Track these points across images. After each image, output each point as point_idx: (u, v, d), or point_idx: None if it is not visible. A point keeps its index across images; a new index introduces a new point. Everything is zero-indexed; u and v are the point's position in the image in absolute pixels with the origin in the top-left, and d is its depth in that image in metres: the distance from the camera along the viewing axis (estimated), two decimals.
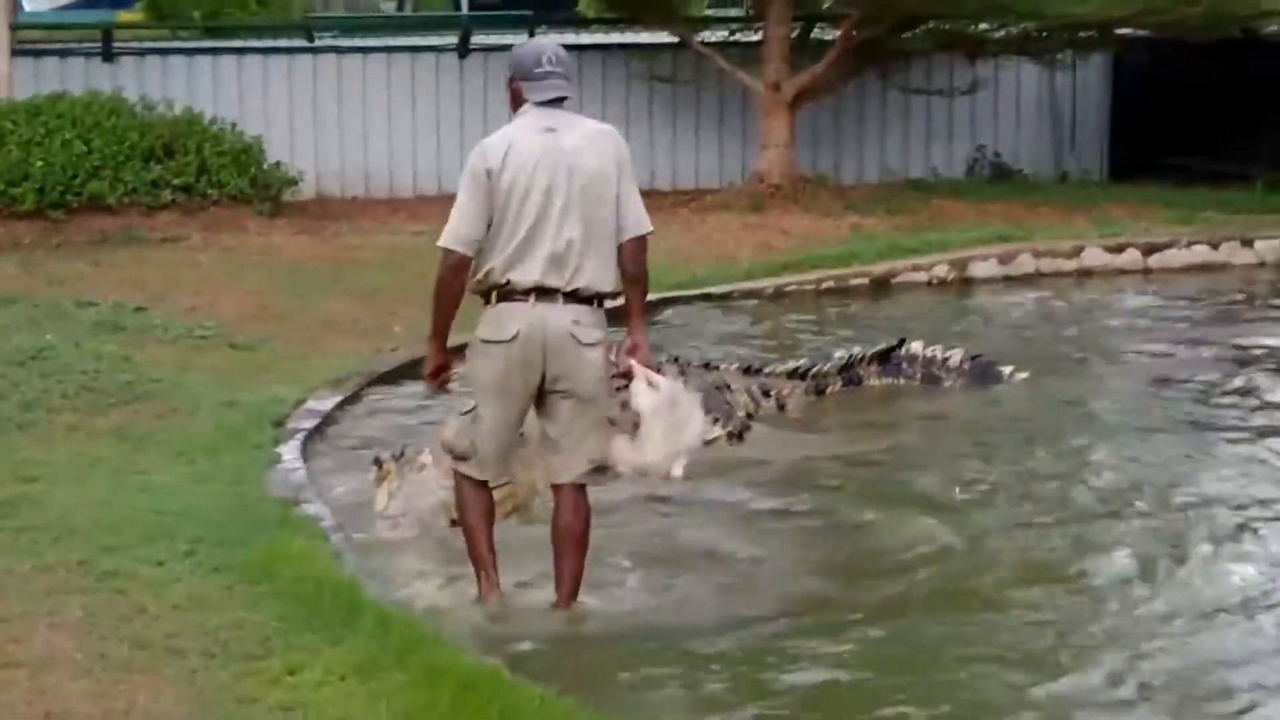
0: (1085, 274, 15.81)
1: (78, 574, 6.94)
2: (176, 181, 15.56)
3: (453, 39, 19.60)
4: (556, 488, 7.20)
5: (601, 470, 7.15)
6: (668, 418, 7.02)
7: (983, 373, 11.38)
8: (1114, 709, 6.32)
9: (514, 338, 6.91)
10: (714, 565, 7.89)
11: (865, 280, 15.14)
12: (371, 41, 19.73)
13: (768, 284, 14.76)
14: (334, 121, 18.59)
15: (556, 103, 7.04)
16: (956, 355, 11.43)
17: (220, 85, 18.10)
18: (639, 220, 7.05)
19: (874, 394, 11.20)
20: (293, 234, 15.66)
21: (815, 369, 11.08)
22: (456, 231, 6.97)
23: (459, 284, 7.03)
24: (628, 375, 7.08)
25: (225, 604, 6.68)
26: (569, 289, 6.91)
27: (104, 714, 5.50)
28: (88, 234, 14.83)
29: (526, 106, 7.04)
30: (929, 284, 15.31)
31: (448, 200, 17.99)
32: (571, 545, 7.12)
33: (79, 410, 9.67)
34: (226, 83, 18.18)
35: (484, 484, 7.21)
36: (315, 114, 18.53)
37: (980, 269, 15.57)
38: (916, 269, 15.39)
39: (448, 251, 7.00)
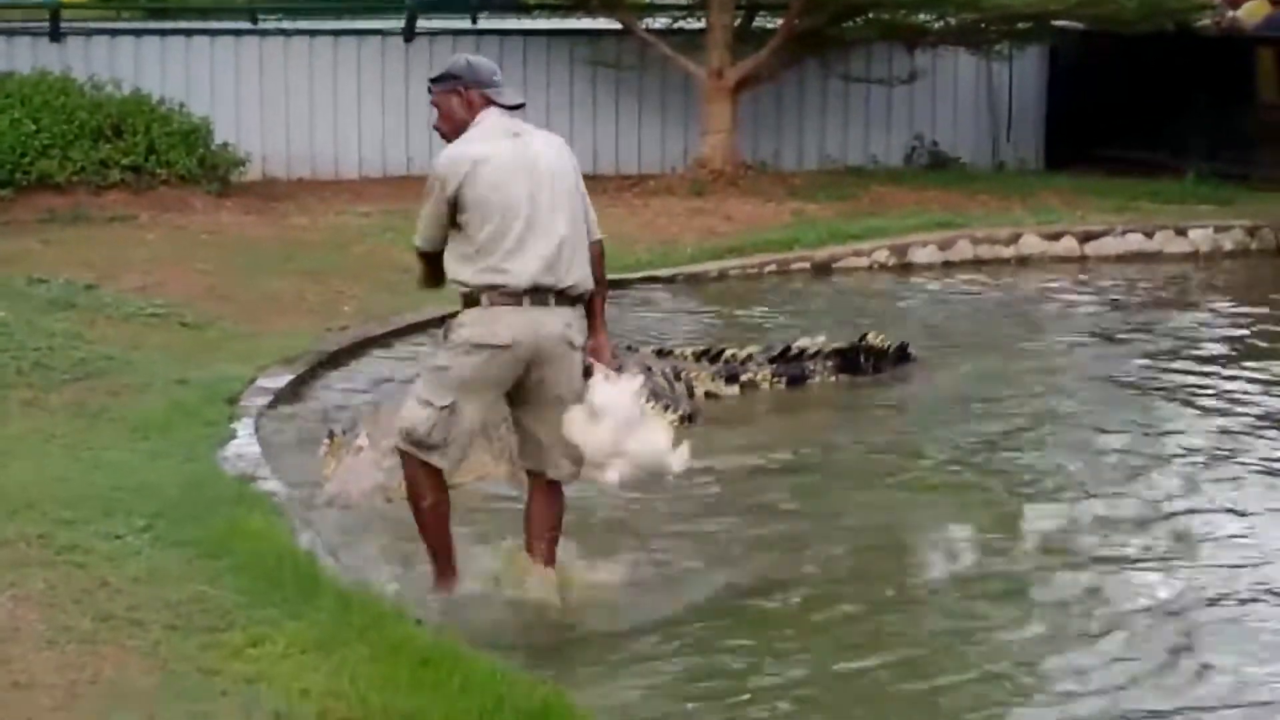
0: (1022, 261, 16.04)
1: (37, 547, 7.00)
2: (125, 161, 15.67)
3: (397, 23, 19.69)
4: (534, 476, 7.24)
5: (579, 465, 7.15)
6: (616, 420, 6.99)
7: (902, 358, 11.55)
8: None
9: (509, 344, 6.92)
10: (671, 547, 8.03)
11: (807, 265, 15.34)
12: (317, 25, 19.80)
13: (712, 267, 14.95)
14: (280, 103, 18.66)
15: (516, 109, 7.15)
16: (893, 345, 11.54)
17: (168, 66, 18.13)
18: (595, 225, 7.20)
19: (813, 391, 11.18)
20: (240, 214, 15.79)
21: (728, 354, 11.01)
22: (431, 238, 7.08)
23: (441, 273, 7.13)
24: (588, 373, 7.06)
25: (185, 578, 6.76)
26: (561, 287, 6.94)
27: (70, 684, 5.61)
28: (36, 212, 14.92)
29: (487, 113, 7.05)
30: (870, 268, 15.52)
31: (392, 183, 18.23)
32: (547, 534, 7.20)
33: (33, 386, 9.74)
34: (174, 64, 18.21)
35: (439, 474, 7.17)
36: (262, 96, 18.59)
37: (920, 255, 15.80)
38: (858, 254, 15.60)
39: (424, 252, 7.16)
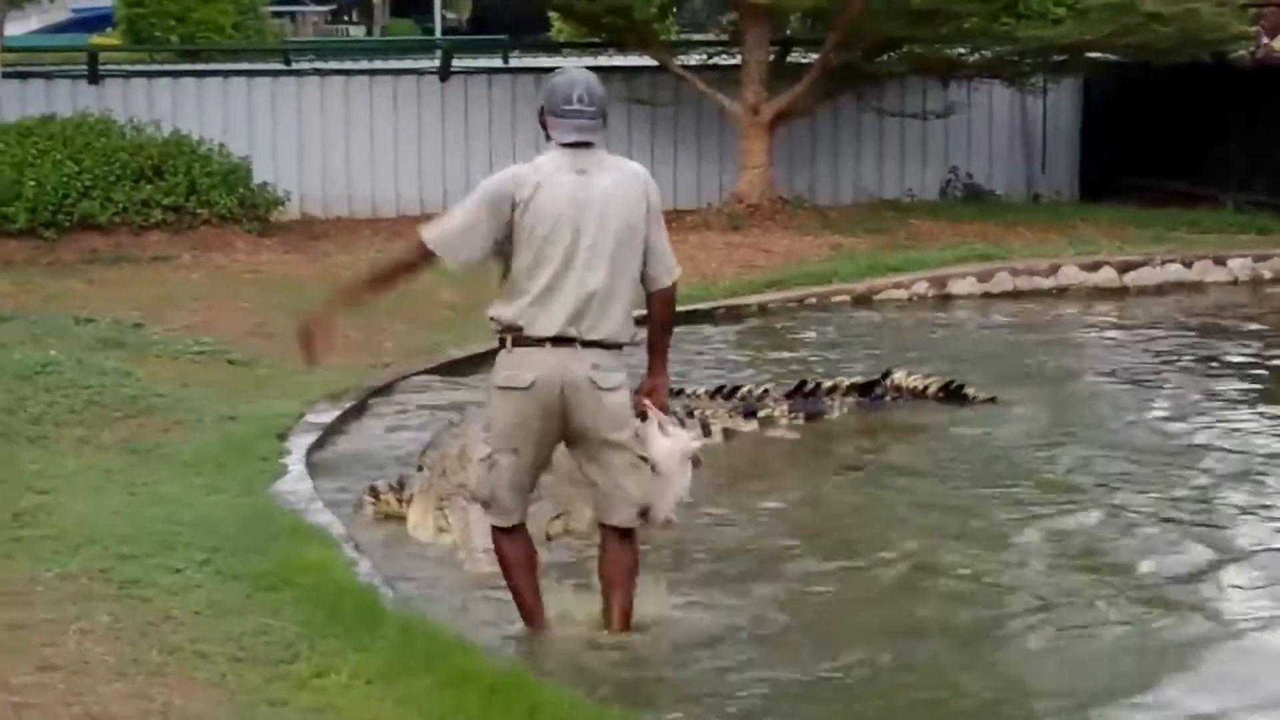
0: (1062, 291, 16.03)
1: (100, 581, 7.05)
2: (166, 201, 15.79)
3: (431, 62, 19.80)
4: (604, 527, 7.06)
5: (645, 513, 6.98)
6: (677, 466, 6.95)
7: (952, 397, 11.24)
8: None
9: (531, 385, 6.74)
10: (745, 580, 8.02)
11: (847, 297, 15.35)
12: (350, 65, 19.92)
13: (752, 300, 14.97)
14: (317, 143, 18.79)
15: (581, 146, 6.78)
16: (934, 384, 11.32)
17: (205, 107, 18.30)
18: (670, 266, 6.90)
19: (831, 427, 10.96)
20: (281, 253, 15.88)
21: (745, 391, 10.81)
22: (451, 244, 6.79)
23: (413, 277, 7.06)
24: (642, 416, 6.93)
25: (246, 610, 6.80)
26: (587, 339, 6.73)
27: (142, 714, 5.63)
28: (79, 253, 15.05)
29: (550, 144, 6.81)
30: (909, 300, 15.52)
31: (428, 220, 18.25)
32: (620, 583, 7.01)
33: (86, 424, 9.80)
34: (211, 105, 18.38)
35: (514, 530, 7.05)
36: (299, 135, 18.74)
37: (959, 286, 15.80)
38: (898, 286, 15.61)
39: (428, 251, 6.85)
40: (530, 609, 7.08)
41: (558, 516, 8.16)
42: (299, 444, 9.79)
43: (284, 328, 12.79)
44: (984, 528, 8.74)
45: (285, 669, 6.18)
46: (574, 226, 6.68)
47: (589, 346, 6.73)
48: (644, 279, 6.88)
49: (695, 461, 7.19)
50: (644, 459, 6.90)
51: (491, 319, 6.85)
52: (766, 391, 10.92)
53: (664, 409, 7.03)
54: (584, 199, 6.70)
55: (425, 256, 6.88)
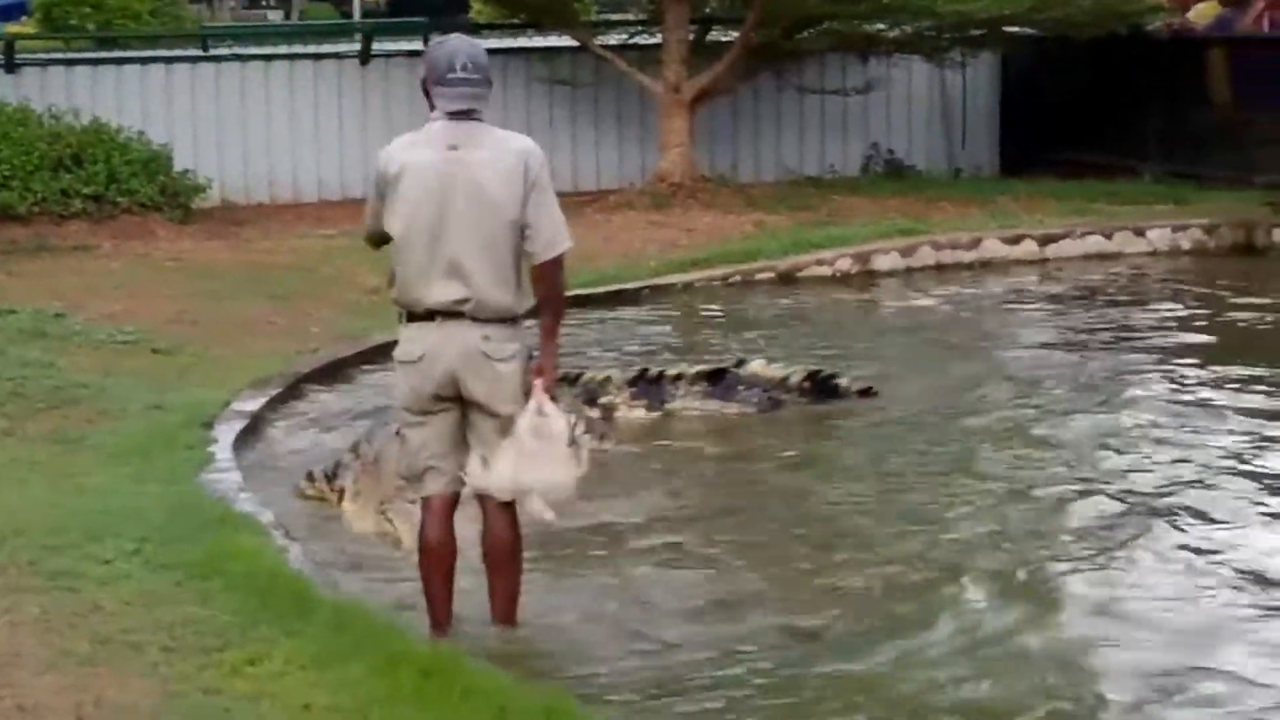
0: (984, 265, 16.14)
1: (29, 573, 7.03)
2: (86, 190, 15.69)
3: (350, 47, 19.73)
4: (482, 500, 6.92)
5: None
6: (530, 448, 6.74)
7: (822, 389, 10.80)
8: None
9: (420, 358, 6.74)
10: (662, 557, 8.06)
11: (771, 274, 15.39)
12: (269, 50, 19.81)
13: (676, 279, 14.99)
14: (238, 129, 18.67)
15: (466, 115, 6.73)
16: (797, 374, 10.82)
17: (123, 95, 18.14)
18: (551, 241, 6.74)
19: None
20: (203, 240, 15.82)
21: (587, 378, 10.51)
22: (369, 228, 6.97)
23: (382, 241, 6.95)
24: (527, 395, 6.79)
25: (177, 600, 6.78)
26: (474, 315, 6.69)
27: (76, 706, 5.62)
28: None
29: (436, 114, 6.77)
30: (833, 277, 15.58)
31: (352, 205, 18.25)
32: (502, 561, 6.92)
33: (10, 416, 9.74)
34: (130, 92, 18.22)
35: (438, 510, 6.92)
36: (219, 122, 18.61)
37: (882, 262, 15.87)
38: (820, 263, 15.66)
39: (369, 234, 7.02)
40: (435, 602, 6.94)
41: None
42: (225, 432, 9.74)
43: (207, 315, 12.83)
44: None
45: (218, 657, 6.18)
46: (441, 202, 6.63)
47: (478, 320, 6.70)
48: (527, 254, 6.78)
49: (581, 454, 6.95)
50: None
51: (390, 293, 6.92)
52: (609, 379, 10.62)
53: (550, 390, 6.83)
54: (450, 174, 6.64)
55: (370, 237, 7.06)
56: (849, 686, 6.49)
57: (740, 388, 10.76)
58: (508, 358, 6.76)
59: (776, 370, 10.86)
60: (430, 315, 6.73)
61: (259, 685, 5.92)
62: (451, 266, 6.66)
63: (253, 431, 10.06)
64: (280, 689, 5.88)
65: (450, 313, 6.70)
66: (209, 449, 9.31)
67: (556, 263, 6.79)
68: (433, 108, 6.79)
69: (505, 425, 6.77)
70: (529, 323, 6.89)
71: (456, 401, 6.83)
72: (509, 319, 6.77)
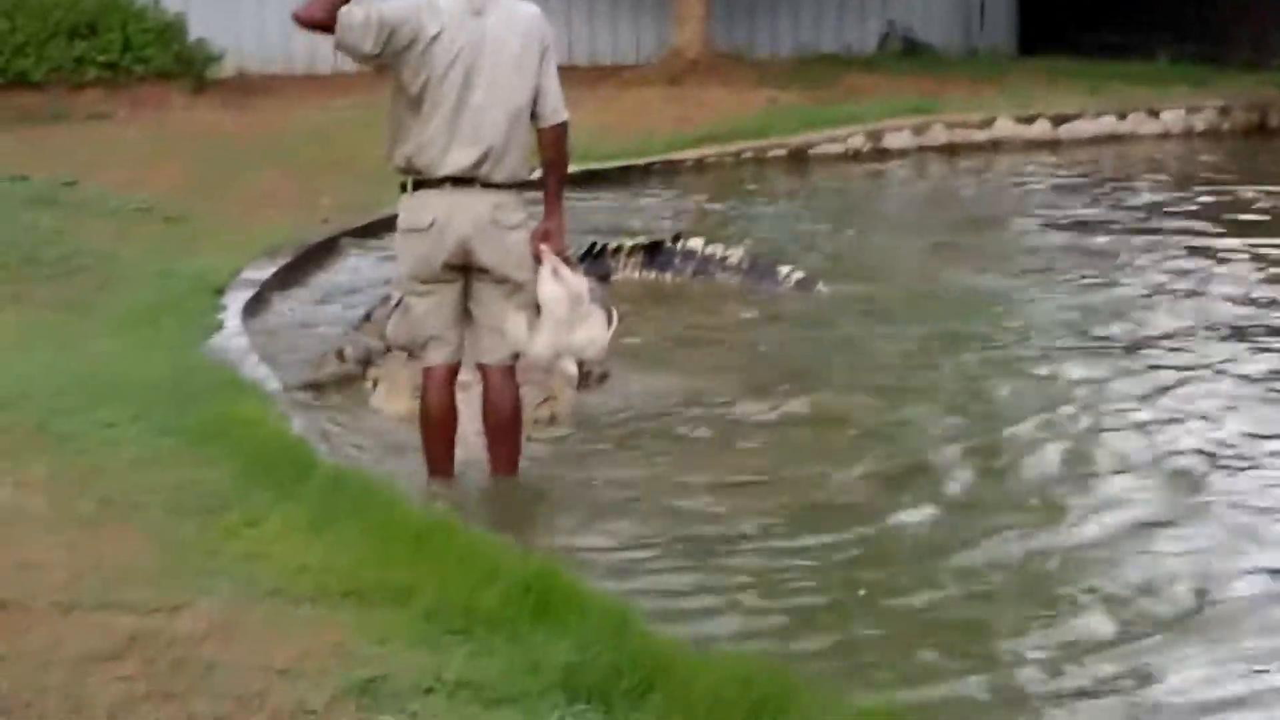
0: (996, 145, 16.14)
1: (36, 435, 7.09)
2: (101, 59, 15.73)
3: None
4: (482, 368, 7.05)
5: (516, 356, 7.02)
6: (564, 314, 6.89)
7: (761, 273, 11.05)
8: None
9: (430, 225, 6.77)
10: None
11: (783, 152, 15.42)
12: None
13: (689, 155, 15.02)
14: None
15: None
16: (736, 254, 11.16)
17: None
18: (557, 108, 6.84)
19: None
20: (218, 110, 15.87)
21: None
22: (355, 40, 6.74)
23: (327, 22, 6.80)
24: (538, 260, 6.89)
25: (179, 463, 6.84)
26: (487, 179, 6.75)
27: (75, 564, 5.71)
28: (13, 111, 14.99)
29: None
30: (845, 155, 15.60)
31: (367, 77, 18.16)
32: (503, 427, 7.04)
33: (19, 281, 9.83)
34: None
35: (439, 378, 7.05)
36: None
37: (894, 140, 15.90)
38: (833, 140, 15.72)
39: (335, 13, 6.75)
40: (435, 460, 7.11)
41: (544, 401, 8.01)
42: (235, 299, 9.84)
43: (220, 185, 12.89)
44: None
45: (216, 519, 6.24)
46: (466, 68, 6.69)
47: (489, 187, 6.77)
48: (534, 118, 6.85)
49: (609, 316, 7.09)
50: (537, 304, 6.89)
51: (394, 166, 6.91)
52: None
53: (561, 254, 6.96)
54: (477, 41, 6.70)
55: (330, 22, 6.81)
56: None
57: (676, 260, 11.14)
58: (516, 225, 6.84)
59: (715, 249, 11.24)
60: (441, 182, 6.77)
61: (256, 546, 6.00)
62: (474, 129, 6.70)
63: (261, 299, 10.15)
64: (276, 550, 5.96)
65: (462, 179, 6.74)
66: (218, 316, 9.41)
67: (563, 126, 6.89)
68: None
69: (513, 291, 6.87)
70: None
71: (461, 272, 6.90)
72: (516, 185, 6.85)
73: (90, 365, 8.25)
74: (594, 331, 7.00)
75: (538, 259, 6.89)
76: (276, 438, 7.14)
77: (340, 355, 8.87)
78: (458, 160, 6.73)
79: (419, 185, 6.83)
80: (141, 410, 7.49)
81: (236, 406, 7.49)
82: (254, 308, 9.90)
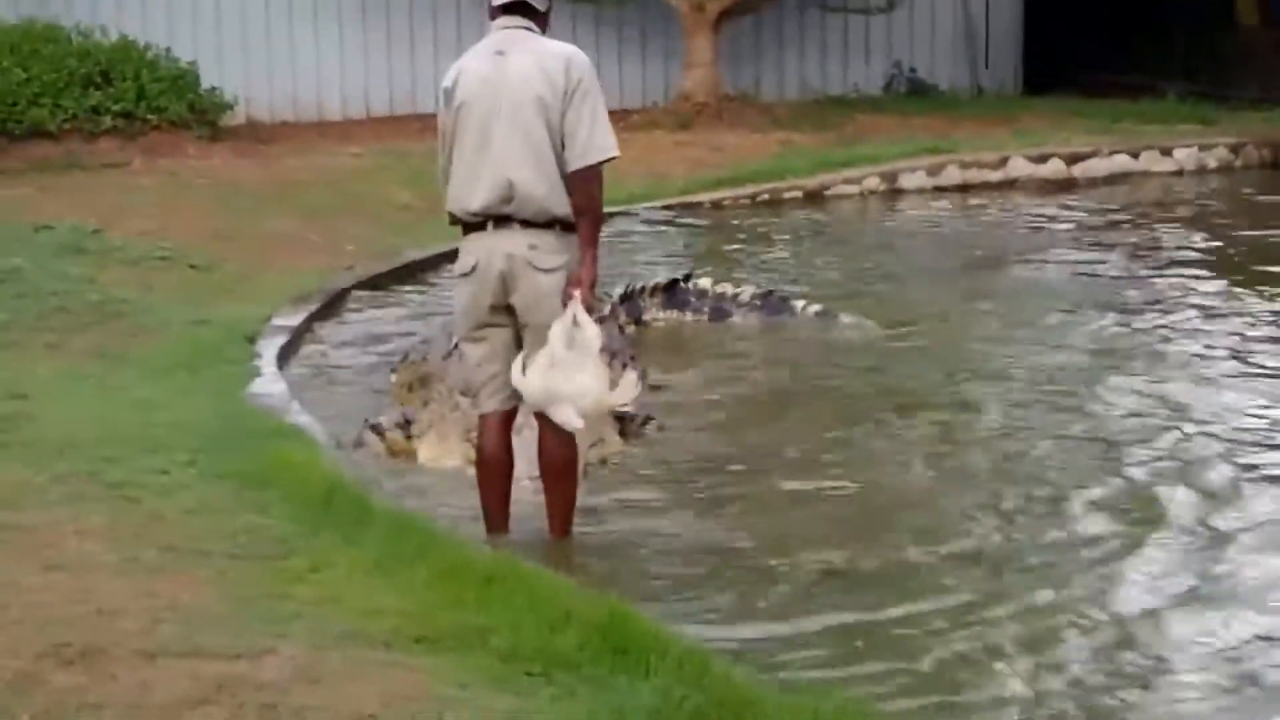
0: (1010, 184, 16.18)
1: (90, 484, 7.07)
2: (116, 107, 15.71)
3: None
4: (537, 415, 6.94)
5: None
6: (561, 357, 6.72)
7: (775, 308, 11.10)
8: None
9: (474, 269, 6.78)
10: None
11: (799, 193, 15.45)
12: None
13: (705, 198, 15.05)
14: (263, 47, 18.72)
15: (516, 9, 6.77)
16: (747, 291, 11.23)
17: (149, 13, 18.20)
18: (586, 150, 6.68)
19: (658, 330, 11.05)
20: (233, 157, 15.87)
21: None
22: (442, 165, 6.93)
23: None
24: (565, 305, 6.76)
25: (236, 509, 6.83)
26: (520, 217, 6.71)
27: (151, 610, 5.68)
28: (29, 160, 14.97)
29: (491, 26, 6.84)
30: (860, 195, 15.64)
31: (377, 122, 18.21)
32: (556, 475, 6.99)
33: (55, 330, 9.81)
34: (156, 10, 18.30)
35: (495, 424, 7.00)
36: (244, 40, 18.63)
37: (909, 180, 15.93)
38: (848, 181, 15.75)
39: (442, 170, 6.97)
40: (491, 511, 7.06)
41: (592, 445, 7.87)
42: (268, 346, 9.83)
43: (241, 232, 12.89)
44: None
45: (281, 564, 6.22)
46: (487, 107, 6.70)
47: (526, 226, 6.73)
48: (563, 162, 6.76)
49: (639, 374, 7.02)
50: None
51: (447, 215, 6.95)
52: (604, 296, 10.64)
53: (588, 302, 6.80)
54: (498, 80, 6.70)
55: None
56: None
57: (692, 299, 11.25)
58: (550, 269, 6.76)
59: (726, 287, 11.33)
60: (482, 223, 6.77)
61: (326, 590, 5.97)
62: (496, 165, 6.69)
63: (294, 346, 10.15)
64: (346, 593, 5.94)
65: (500, 217, 6.73)
66: (253, 363, 9.40)
67: (592, 171, 6.73)
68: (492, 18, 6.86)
69: (538, 334, 6.78)
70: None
71: (511, 315, 6.86)
72: (554, 224, 6.76)
73: (135, 413, 8.24)
74: (588, 383, 6.79)
75: (564, 304, 6.77)
76: (331, 483, 7.10)
77: (377, 430, 8.56)
78: (484, 197, 6.72)
79: (466, 229, 6.85)
80: (192, 457, 7.49)
81: (288, 452, 7.47)
82: (287, 354, 9.89)
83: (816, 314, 11.03)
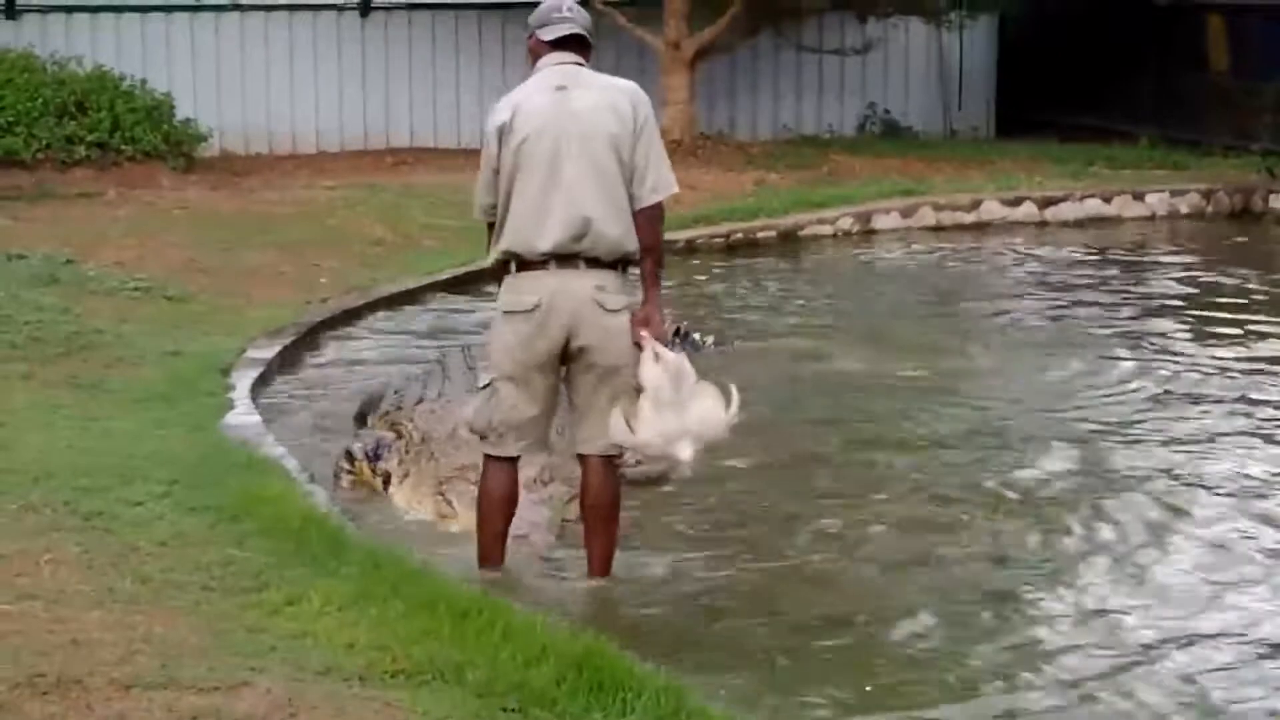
0: (983, 226, 16.24)
1: (64, 514, 7.03)
2: (90, 138, 15.71)
3: None
4: (583, 459, 6.94)
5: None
6: (669, 396, 6.69)
7: (684, 340, 11.00)
8: None
9: (535, 307, 6.68)
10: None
11: (773, 233, 15.49)
12: (269, 0, 19.80)
13: (680, 237, 15.04)
14: (237, 79, 18.74)
15: (570, 44, 6.78)
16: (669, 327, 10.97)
17: (123, 43, 18.23)
18: (655, 186, 6.69)
19: None
20: (207, 189, 15.85)
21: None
22: (484, 205, 6.86)
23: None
24: (638, 346, 6.75)
25: (211, 541, 6.81)
26: (589, 255, 6.64)
27: (127, 641, 5.66)
28: (2, 189, 14.93)
29: (541, 62, 6.79)
30: (834, 236, 15.69)
31: (351, 156, 18.22)
32: (601, 518, 6.94)
33: (30, 360, 9.76)
34: (130, 41, 18.30)
35: (507, 466, 6.97)
36: (218, 72, 18.69)
37: (883, 221, 15.99)
38: (822, 221, 15.80)
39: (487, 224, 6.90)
40: (487, 548, 7.05)
41: (570, 500, 7.70)
42: (243, 379, 9.82)
43: (216, 264, 12.87)
44: None
45: (257, 597, 6.21)
46: (554, 143, 6.64)
47: (592, 266, 6.68)
48: (631, 198, 6.72)
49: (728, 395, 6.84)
50: (637, 389, 6.74)
51: (489, 260, 6.87)
52: None
53: (660, 337, 6.80)
54: (563, 116, 6.67)
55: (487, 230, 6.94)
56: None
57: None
58: (617, 309, 6.73)
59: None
60: (544, 262, 6.69)
61: (300, 624, 5.96)
62: (568, 203, 6.62)
63: (268, 379, 10.14)
64: (322, 628, 5.93)
65: (565, 256, 6.65)
66: (228, 395, 9.38)
67: (659, 208, 6.77)
68: (534, 61, 6.86)
69: (610, 376, 6.76)
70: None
71: (560, 363, 6.82)
72: (620, 264, 6.73)
73: (110, 444, 8.22)
74: (707, 407, 6.77)
75: (638, 345, 6.75)
76: (306, 516, 7.10)
77: (349, 456, 8.62)
78: (556, 235, 6.65)
79: (521, 266, 6.75)
80: (167, 489, 7.48)
81: (263, 485, 7.47)
82: (260, 387, 9.87)
83: (715, 344, 11.22)
